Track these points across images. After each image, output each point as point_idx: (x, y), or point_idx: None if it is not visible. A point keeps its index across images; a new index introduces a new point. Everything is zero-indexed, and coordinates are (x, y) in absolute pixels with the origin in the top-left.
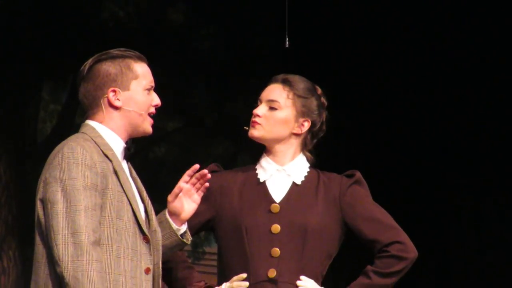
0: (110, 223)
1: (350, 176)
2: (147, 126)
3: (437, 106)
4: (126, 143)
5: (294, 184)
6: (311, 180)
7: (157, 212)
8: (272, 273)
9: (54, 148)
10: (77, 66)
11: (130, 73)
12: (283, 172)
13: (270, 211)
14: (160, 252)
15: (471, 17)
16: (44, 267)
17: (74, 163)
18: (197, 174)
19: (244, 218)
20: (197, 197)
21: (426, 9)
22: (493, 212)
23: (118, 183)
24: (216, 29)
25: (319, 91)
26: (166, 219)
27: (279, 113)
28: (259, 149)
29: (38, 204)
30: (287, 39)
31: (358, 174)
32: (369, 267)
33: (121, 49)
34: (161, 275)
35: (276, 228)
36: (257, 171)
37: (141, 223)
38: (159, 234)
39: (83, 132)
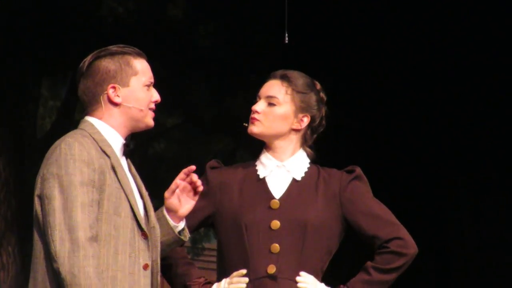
0: (107, 219)
1: (350, 171)
2: (148, 120)
3: (437, 103)
4: (126, 139)
5: (294, 180)
6: (311, 176)
7: (156, 208)
8: (271, 269)
9: (53, 144)
10: (76, 62)
11: (129, 70)
12: (283, 168)
13: (269, 207)
14: (159, 249)
15: (472, 14)
16: (42, 263)
17: (71, 159)
18: (185, 170)
19: (244, 215)
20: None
21: (426, 5)
22: (493, 209)
23: (116, 179)
24: (216, 25)
25: (318, 86)
26: (164, 215)
27: (278, 109)
28: (258, 146)
29: (36, 200)
30: (286, 35)
31: (359, 170)
32: (369, 263)
33: (121, 45)
34: (159, 271)
35: (275, 224)
36: (257, 167)
37: (139, 219)
38: (158, 231)
39: (81, 129)
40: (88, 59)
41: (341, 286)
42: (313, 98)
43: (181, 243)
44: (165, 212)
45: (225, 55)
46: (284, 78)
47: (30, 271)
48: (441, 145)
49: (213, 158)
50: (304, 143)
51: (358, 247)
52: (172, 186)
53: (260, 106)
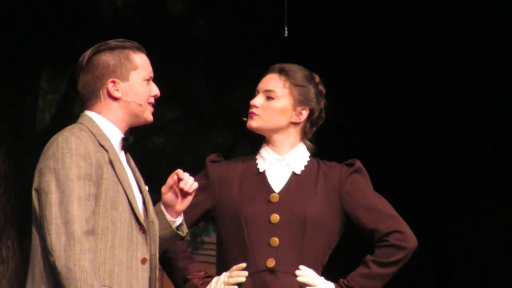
0: (105, 213)
1: (350, 165)
2: (147, 115)
3: (437, 101)
4: (125, 133)
5: (293, 173)
6: (311, 169)
7: (155, 203)
8: (271, 263)
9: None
10: (76, 55)
11: (129, 64)
12: (282, 162)
13: (269, 201)
14: (158, 243)
15: (472, 12)
16: (40, 257)
17: (68, 153)
18: (173, 173)
19: (244, 208)
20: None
21: (426, 3)
22: (493, 209)
23: (114, 174)
24: (215, 19)
25: (317, 79)
26: (161, 210)
27: (276, 102)
28: (257, 140)
29: (33, 194)
30: (286, 28)
31: (359, 163)
32: (368, 257)
33: (120, 39)
34: (158, 266)
35: (275, 217)
36: (257, 161)
37: (137, 213)
38: (157, 225)
39: (80, 123)
40: (87, 53)
41: (341, 280)
42: (311, 91)
43: (178, 238)
44: (162, 207)
45: (224, 48)
46: (282, 72)
47: (29, 265)
48: (441, 144)
49: (212, 152)
50: (304, 137)
51: (358, 240)
52: (169, 181)
53: (258, 100)
